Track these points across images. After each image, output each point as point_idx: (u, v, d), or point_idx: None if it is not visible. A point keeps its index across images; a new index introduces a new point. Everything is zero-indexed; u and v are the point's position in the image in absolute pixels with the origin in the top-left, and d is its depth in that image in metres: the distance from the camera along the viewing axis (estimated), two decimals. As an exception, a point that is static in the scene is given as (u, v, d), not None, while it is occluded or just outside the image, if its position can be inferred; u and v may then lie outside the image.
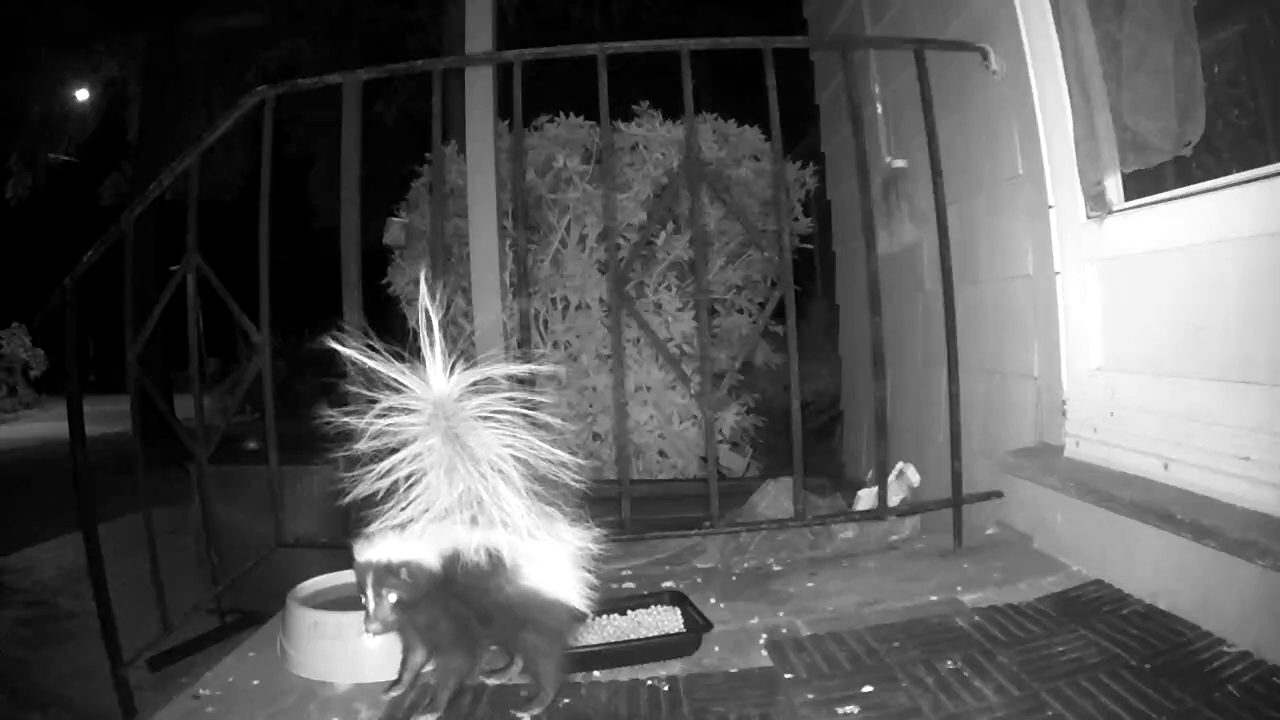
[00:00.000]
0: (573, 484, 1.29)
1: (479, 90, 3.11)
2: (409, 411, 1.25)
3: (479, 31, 3.13)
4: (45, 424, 10.75)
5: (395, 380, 1.24)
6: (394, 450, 1.24)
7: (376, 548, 1.27)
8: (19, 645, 3.46)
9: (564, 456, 1.27)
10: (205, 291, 2.15)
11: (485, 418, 1.26)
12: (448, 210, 3.37)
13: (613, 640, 1.58)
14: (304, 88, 2.27)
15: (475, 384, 1.27)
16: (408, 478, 1.25)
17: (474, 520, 1.27)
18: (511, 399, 1.27)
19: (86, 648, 2.69)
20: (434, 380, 1.26)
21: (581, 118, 3.60)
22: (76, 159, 12.42)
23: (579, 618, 1.35)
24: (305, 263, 8.55)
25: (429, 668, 1.40)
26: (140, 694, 2.15)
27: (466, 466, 1.25)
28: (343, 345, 1.23)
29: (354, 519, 1.29)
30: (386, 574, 1.26)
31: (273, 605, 1.83)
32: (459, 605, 1.30)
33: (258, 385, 2.15)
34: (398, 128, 9.02)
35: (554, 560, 1.31)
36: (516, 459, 1.26)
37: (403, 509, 1.26)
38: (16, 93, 10.83)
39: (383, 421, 1.24)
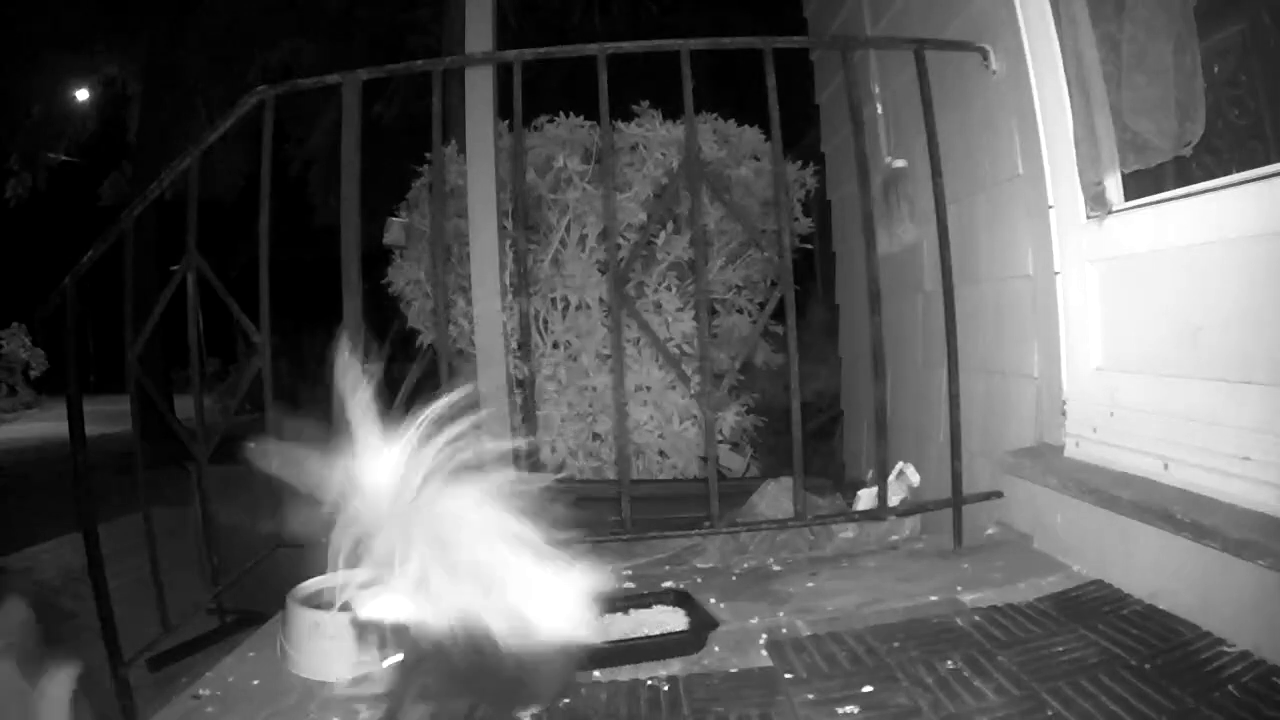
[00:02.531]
0: (552, 541, 1.03)
1: (479, 90, 3.11)
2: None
3: (479, 32, 3.12)
4: (45, 424, 10.75)
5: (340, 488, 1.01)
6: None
7: (376, 604, 1.04)
8: (19, 645, 3.46)
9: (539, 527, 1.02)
10: (205, 291, 2.15)
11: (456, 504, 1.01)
12: (448, 210, 3.37)
13: (615, 640, 1.58)
14: (304, 88, 2.27)
15: (432, 461, 1.00)
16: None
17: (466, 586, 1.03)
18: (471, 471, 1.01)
19: (86, 648, 2.69)
20: (377, 480, 1.00)
21: (581, 118, 3.59)
22: (76, 159, 12.45)
23: (579, 660, 1.18)
24: (305, 262, 8.55)
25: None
26: (140, 694, 2.15)
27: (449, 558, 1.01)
28: (262, 460, 1.02)
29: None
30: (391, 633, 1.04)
31: (273, 605, 1.83)
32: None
33: (258, 385, 2.15)
34: (398, 128, 9.01)
35: (553, 606, 1.10)
36: (502, 533, 1.02)
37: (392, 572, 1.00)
38: (16, 93, 10.84)
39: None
